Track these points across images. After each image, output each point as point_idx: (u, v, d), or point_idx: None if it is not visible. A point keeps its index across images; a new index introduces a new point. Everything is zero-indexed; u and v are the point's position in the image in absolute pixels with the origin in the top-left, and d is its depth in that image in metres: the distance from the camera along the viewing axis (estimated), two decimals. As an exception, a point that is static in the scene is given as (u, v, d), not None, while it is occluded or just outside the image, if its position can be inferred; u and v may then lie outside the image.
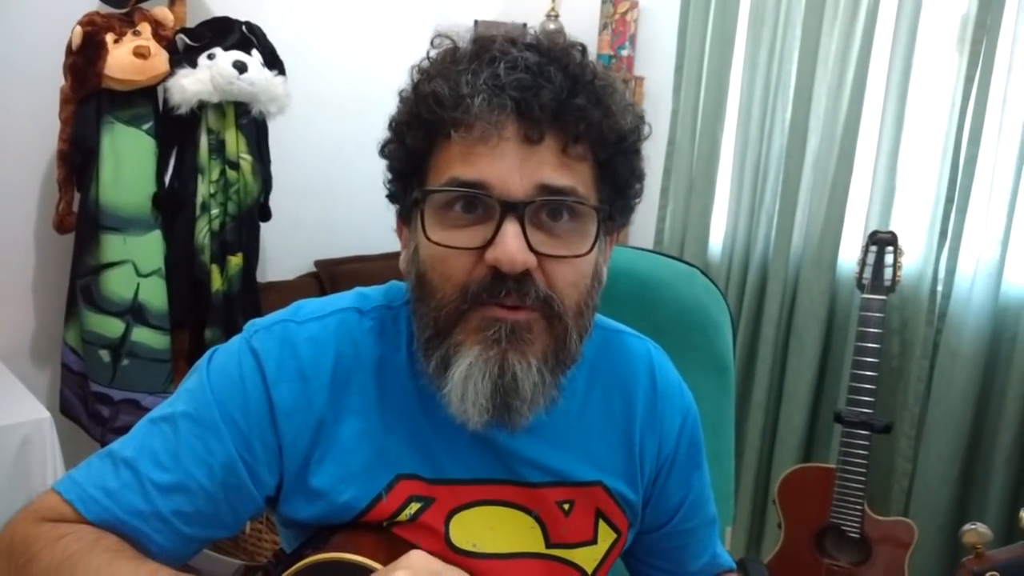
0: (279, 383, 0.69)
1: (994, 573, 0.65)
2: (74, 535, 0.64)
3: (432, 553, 0.63)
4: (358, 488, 0.71)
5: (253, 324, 0.73)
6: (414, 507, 0.72)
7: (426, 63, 0.70)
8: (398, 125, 0.70)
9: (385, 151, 0.72)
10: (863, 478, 1.70)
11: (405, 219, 0.73)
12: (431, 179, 0.67)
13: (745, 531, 2.23)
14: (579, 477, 0.77)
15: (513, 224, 0.63)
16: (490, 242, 0.63)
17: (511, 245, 0.62)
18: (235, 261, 1.85)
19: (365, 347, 0.73)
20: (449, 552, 0.73)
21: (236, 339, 0.73)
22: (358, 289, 0.78)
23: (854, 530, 1.71)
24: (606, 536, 0.80)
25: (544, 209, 0.65)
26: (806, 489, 1.78)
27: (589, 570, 0.79)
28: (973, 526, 0.69)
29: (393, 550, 0.70)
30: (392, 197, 0.74)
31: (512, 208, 0.63)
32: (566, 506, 0.77)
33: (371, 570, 0.64)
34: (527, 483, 0.75)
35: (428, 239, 0.66)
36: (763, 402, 2.18)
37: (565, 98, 0.64)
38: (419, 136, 0.67)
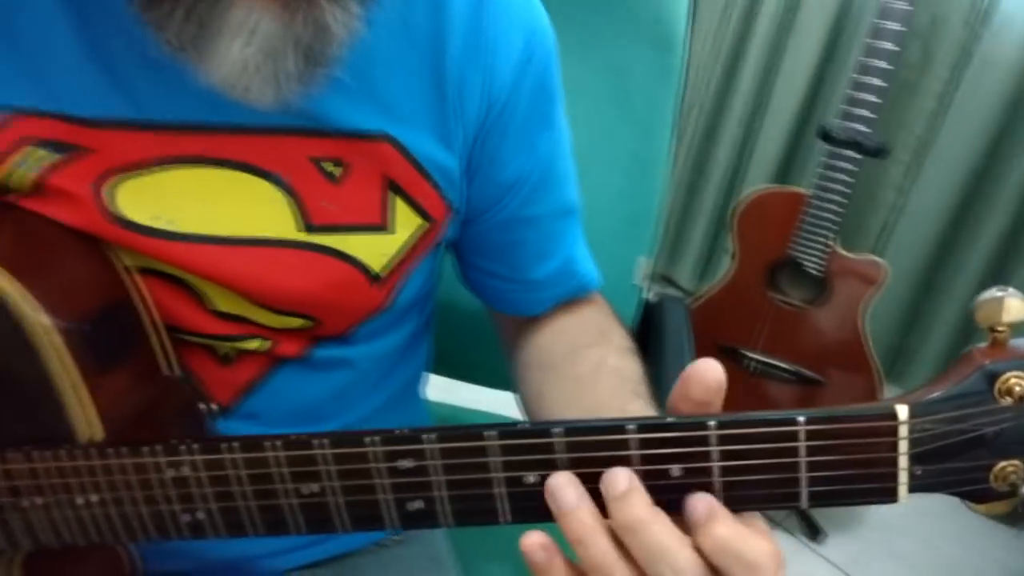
0: None
1: (1019, 376, 0.36)
2: None
3: (79, 227, 0.43)
4: None
5: None
6: (37, 158, 0.44)
7: None
8: None
9: None
10: (839, 208, 1.43)
11: None
12: None
13: (696, 258, 2.02)
14: (350, 124, 0.48)
15: None
16: None
17: None
18: None
19: None
20: (108, 225, 0.45)
21: None
22: None
23: (815, 266, 1.49)
24: (406, 222, 0.52)
25: None
26: (769, 215, 1.52)
27: (376, 268, 0.52)
28: (1001, 293, 0.34)
29: (17, 228, 0.44)
30: None
31: None
32: (330, 167, 0.49)
33: None
34: (258, 128, 0.46)
35: None
36: (742, 112, 1.85)
37: None
38: None
